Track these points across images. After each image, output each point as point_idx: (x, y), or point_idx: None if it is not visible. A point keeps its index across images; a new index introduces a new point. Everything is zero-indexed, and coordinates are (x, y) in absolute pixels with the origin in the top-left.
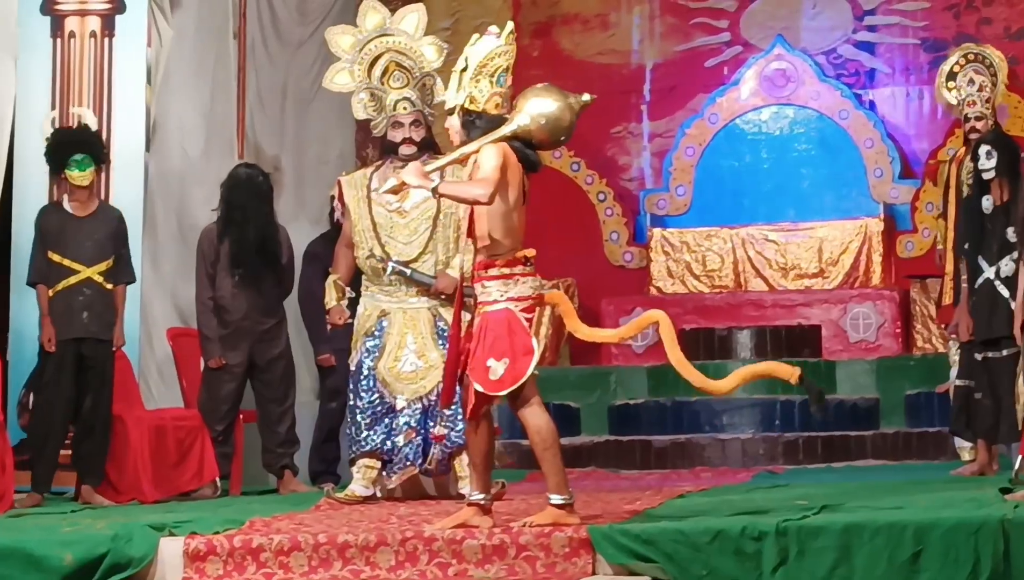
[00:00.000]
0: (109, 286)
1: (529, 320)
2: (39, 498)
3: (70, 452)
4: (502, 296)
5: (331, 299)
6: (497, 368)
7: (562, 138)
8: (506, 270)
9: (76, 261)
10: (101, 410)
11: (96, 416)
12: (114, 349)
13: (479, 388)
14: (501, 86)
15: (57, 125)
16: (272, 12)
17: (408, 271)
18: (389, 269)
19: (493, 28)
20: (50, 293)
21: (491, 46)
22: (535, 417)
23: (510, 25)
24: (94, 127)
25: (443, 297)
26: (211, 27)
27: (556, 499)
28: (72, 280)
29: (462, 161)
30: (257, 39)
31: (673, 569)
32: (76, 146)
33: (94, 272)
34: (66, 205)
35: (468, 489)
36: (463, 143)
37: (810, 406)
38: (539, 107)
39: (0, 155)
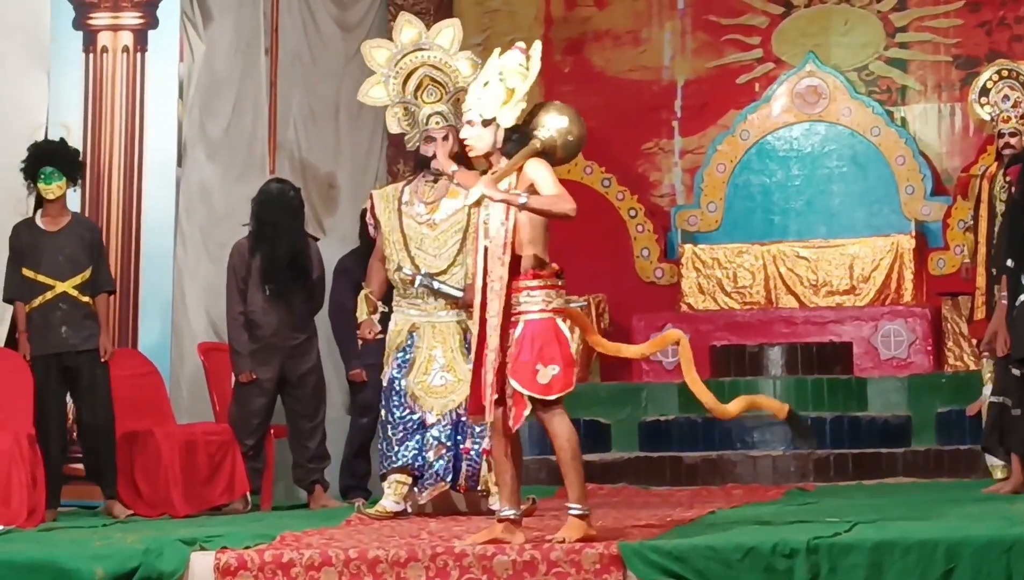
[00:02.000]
0: (86, 299)
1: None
2: (53, 514)
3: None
4: (547, 305)
5: (362, 313)
6: (546, 373)
7: (574, 156)
8: (549, 282)
9: (50, 276)
10: (100, 420)
11: (95, 428)
12: (103, 359)
13: (525, 391)
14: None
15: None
16: (316, 27)
17: (435, 284)
18: (417, 282)
19: (520, 44)
20: (27, 309)
21: (520, 60)
22: (565, 425)
23: (538, 45)
24: (78, 140)
25: (471, 309)
26: (243, 43)
27: (578, 510)
28: (48, 295)
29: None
30: (305, 54)
31: None
32: (47, 159)
33: (69, 286)
34: (38, 221)
35: (497, 504)
36: (494, 154)
37: (794, 441)
38: (561, 123)
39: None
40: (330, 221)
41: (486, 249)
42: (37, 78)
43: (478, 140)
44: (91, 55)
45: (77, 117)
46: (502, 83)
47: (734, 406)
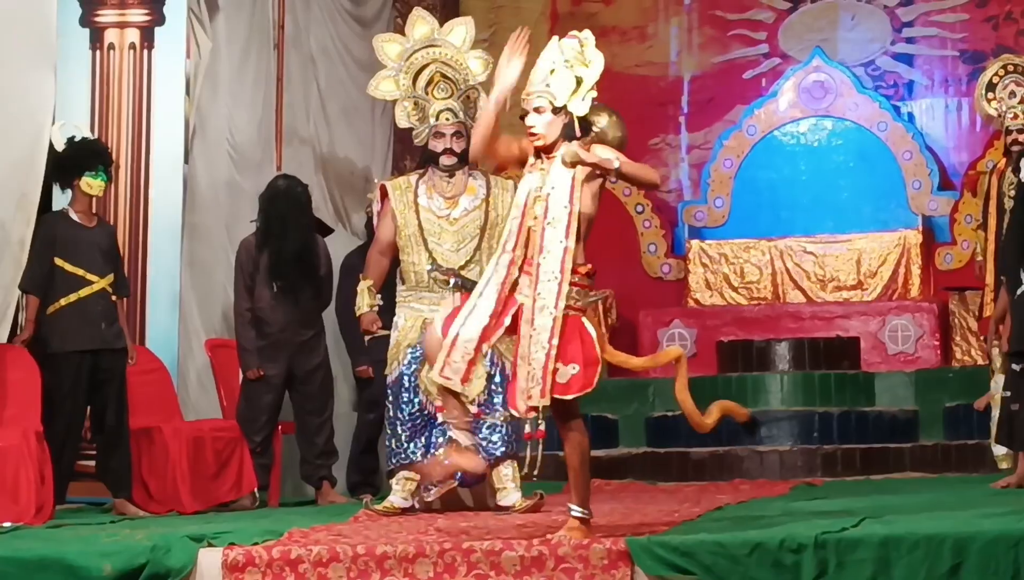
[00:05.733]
0: (114, 298)
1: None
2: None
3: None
4: (575, 303)
5: (363, 305)
6: (565, 372)
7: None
8: (583, 280)
9: (90, 271)
10: (124, 423)
11: (120, 430)
12: (130, 361)
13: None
14: None
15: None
16: (332, 22)
17: (470, 284)
18: (452, 283)
19: (576, 33)
20: (61, 302)
21: (578, 47)
22: (582, 430)
23: (589, 35)
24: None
25: None
26: (250, 39)
27: (579, 512)
28: (86, 291)
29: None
30: (331, 54)
31: None
32: (98, 157)
33: (106, 283)
34: (72, 215)
35: (506, 501)
36: (559, 142)
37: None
38: (604, 121)
39: (39, 166)
40: (357, 217)
41: (530, 230)
42: (44, 75)
43: (548, 127)
44: (98, 52)
45: (84, 114)
46: (570, 70)
47: (710, 418)
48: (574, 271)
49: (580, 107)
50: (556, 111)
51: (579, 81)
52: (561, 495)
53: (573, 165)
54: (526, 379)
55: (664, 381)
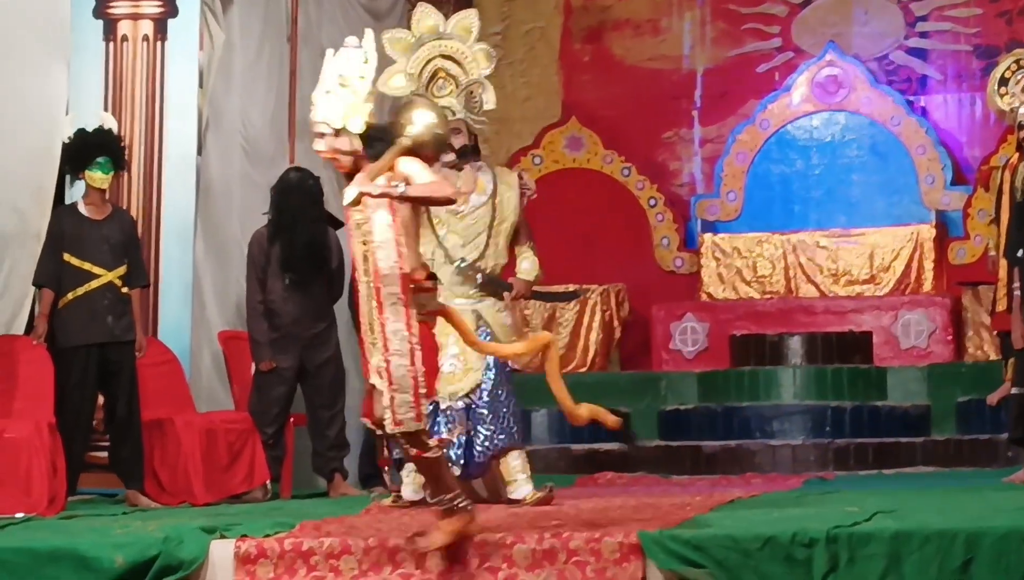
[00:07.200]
0: (125, 290)
1: None
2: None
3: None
4: (423, 310)
5: None
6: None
7: (442, 151)
8: (427, 284)
9: (96, 265)
10: (133, 413)
11: (131, 421)
12: (138, 353)
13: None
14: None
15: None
16: (346, 15)
17: (499, 281)
18: (480, 278)
19: (351, 39)
20: (69, 296)
21: (360, 60)
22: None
23: (370, 34)
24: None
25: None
26: (263, 31)
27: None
28: (94, 284)
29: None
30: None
31: (723, 575)
32: (100, 148)
33: (114, 276)
34: (81, 208)
35: (518, 493)
36: (363, 158)
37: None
38: (428, 118)
39: (53, 158)
40: None
41: (365, 255)
42: (57, 68)
43: (335, 151)
44: (111, 44)
45: (97, 107)
46: (344, 88)
47: (581, 410)
48: (413, 280)
49: (355, 124)
50: (338, 133)
51: (355, 96)
52: (572, 488)
53: (356, 204)
54: (390, 398)
55: (676, 375)
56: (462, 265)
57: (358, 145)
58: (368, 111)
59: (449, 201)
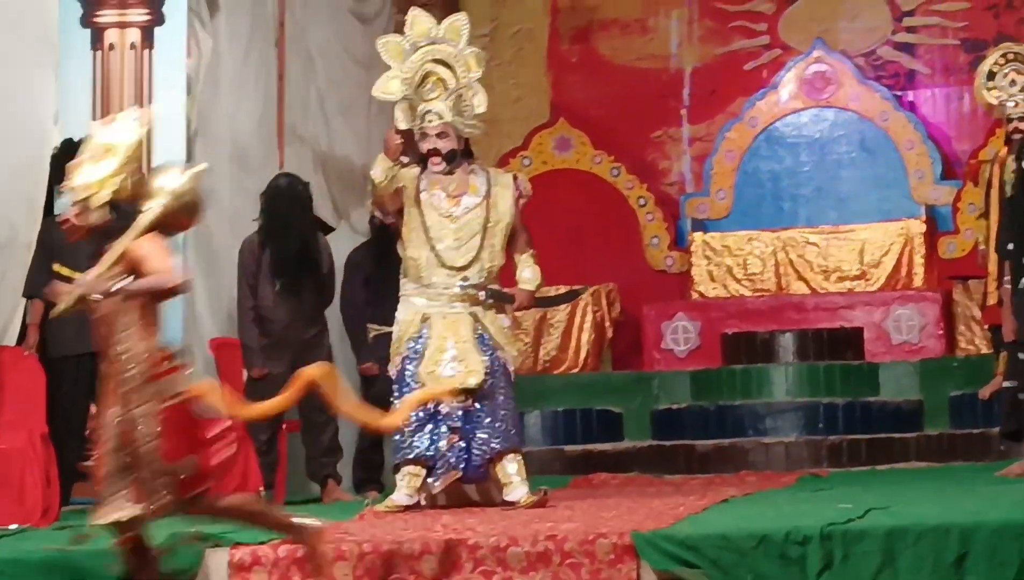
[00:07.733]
0: None
1: None
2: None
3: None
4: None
5: (378, 173)
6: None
7: (197, 213)
8: (168, 364)
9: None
10: None
11: None
12: None
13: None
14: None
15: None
16: (334, 19)
17: (502, 293)
18: (484, 296)
19: (132, 111)
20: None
21: (135, 129)
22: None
23: (150, 109)
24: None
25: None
26: (251, 36)
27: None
28: None
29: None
30: (331, 51)
31: (718, 574)
32: None
33: None
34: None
35: (513, 496)
36: (110, 230)
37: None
38: (175, 183)
39: (42, 168)
40: (357, 214)
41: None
42: (45, 77)
43: (84, 223)
44: (99, 53)
45: (86, 116)
46: (108, 155)
47: (401, 414)
48: (156, 364)
49: (101, 197)
50: (88, 201)
51: (111, 167)
52: (567, 490)
53: (82, 302)
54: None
55: (669, 374)
56: (464, 284)
57: (101, 217)
58: (121, 183)
59: (176, 292)
